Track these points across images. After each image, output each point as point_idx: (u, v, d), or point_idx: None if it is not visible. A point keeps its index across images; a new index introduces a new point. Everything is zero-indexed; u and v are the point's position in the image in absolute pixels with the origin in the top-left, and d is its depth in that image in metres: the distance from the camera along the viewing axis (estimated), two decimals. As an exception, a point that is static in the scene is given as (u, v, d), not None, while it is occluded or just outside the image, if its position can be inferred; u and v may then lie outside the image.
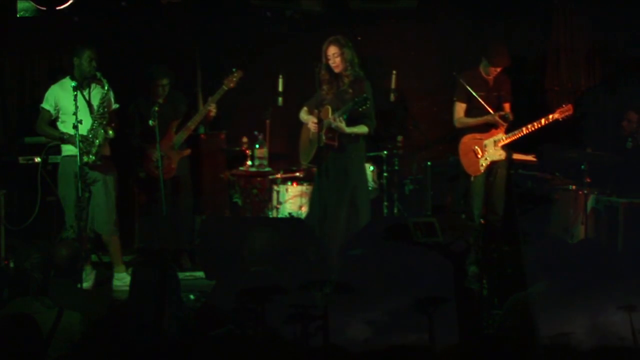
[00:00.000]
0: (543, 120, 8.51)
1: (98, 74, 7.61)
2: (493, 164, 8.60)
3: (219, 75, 9.08)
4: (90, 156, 7.47)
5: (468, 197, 8.64)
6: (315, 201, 8.06)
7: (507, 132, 8.58)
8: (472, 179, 8.58)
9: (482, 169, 8.57)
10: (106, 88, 7.63)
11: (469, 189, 8.62)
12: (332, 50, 7.83)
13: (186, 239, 8.89)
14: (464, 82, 8.52)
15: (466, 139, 8.59)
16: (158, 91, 8.53)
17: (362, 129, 7.88)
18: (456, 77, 8.59)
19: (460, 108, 8.58)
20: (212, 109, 8.51)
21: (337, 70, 7.85)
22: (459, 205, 8.82)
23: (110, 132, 7.68)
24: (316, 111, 7.84)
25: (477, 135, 8.58)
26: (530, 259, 5.89)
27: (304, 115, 8.13)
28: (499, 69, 8.57)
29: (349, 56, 7.84)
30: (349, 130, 7.82)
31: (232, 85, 8.57)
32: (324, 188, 7.86)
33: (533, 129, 8.54)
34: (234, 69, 8.62)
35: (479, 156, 8.57)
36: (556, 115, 8.51)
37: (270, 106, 9.49)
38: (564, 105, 8.58)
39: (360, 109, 7.70)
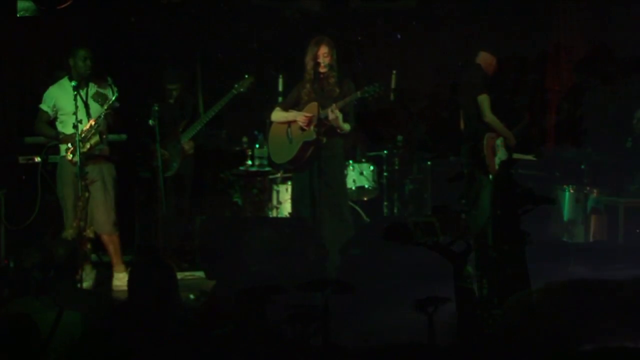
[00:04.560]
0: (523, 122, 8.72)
1: (109, 80, 7.59)
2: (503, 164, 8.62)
3: (219, 76, 9.07)
4: (75, 156, 7.42)
5: (480, 196, 8.61)
6: (304, 200, 8.03)
7: None
8: (490, 177, 8.55)
9: (496, 167, 8.56)
10: (114, 97, 7.59)
11: (486, 188, 8.59)
12: (324, 50, 7.87)
13: (186, 238, 8.90)
14: (478, 73, 8.48)
15: (489, 137, 8.53)
16: (167, 93, 8.58)
17: (347, 126, 7.93)
18: (473, 69, 8.55)
19: (488, 101, 8.44)
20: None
21: (323, 70, 7.88)
22: (464, 205, 8.81)
23: (104, 136, 7.68)
24: (315, 104, 7.85)
25: (494, 135, 8.56)
26: (530, 259, 5.89)
27: (281, 113, 8.13)
28: (495, 60, 8.58)
29: (335, 56, 7.91)
30: (342, 124, 7.85)
31: (242, 90, 8.60)
32: (320, 187, 7.85)
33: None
34: (246, 75, 8.65)
35: (495, 155, 8.55)
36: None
37: (270, 106, 9.48)
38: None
39: (369, 98, 7.78)
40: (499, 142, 8.55)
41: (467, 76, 8.63)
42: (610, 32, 9.82)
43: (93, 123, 7.55)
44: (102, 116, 7.60)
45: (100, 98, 7.68)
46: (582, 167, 8.75)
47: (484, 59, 8.56)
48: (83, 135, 7.49)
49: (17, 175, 8.75)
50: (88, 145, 7.54)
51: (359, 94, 7.76)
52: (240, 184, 9.57)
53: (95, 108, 7.74)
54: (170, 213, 8.33)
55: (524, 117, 8.95)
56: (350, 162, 9.11)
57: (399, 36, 10.18)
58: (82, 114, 7.52)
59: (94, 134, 7.61)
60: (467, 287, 5.71)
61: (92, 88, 7.77)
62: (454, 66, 9.07)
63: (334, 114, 7.72)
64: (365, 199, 9.32)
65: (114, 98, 7.58)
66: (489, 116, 8.46)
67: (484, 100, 8.45)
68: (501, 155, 8.54)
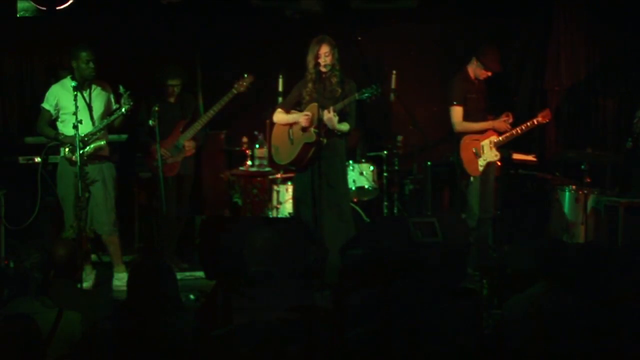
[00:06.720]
0: (529, 124, 8.67)
1: (127, 92, 7.58)
2: (489, 165, 8.64)
3: (219, 76, 9.04)
4: (75, 155, 7.42)
5: (466, 197, 8.65)
6: (305, 200, 8.03)
7: (500, 133, 8.63)
8: (471, 179, 8.59)
9: (480, 169, 8.60)
10: (124, 110, 7.59)
11: (468, 189, 8.63)
12: (325, 49, 7.88)
13: (186, 238, 8.90)
14: (458, 84, 8.58)
15: (467, 139, 8.60)
16: (168, 91, 8.57)
17: (345, 127, 7.93)
18: (452, 80, 8.65)
19: (458, 112, 8.57)
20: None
21: (325, 70, 7.88)
22: (460, 205, 8.82)
23: (102, 142, 7.69)
24: (315, 105, 7.86)
25: (475, 136, 8.61)
26: (530, 259, 5.88)
27: (282, 116, 8.14)
28: (489, 73, 8.60)
29: (337, 56, 7.91)
30: (338, 125, 7.86)
31: (242, 89, 8.61)
32: (321, 187, 7.85)
33: (521, 131, 8.66)
34: (245, 74, 8.66)
35: (478, 157, 8.59)
36: (540, 119, 8.69)
37: (270, 106, 9.49)
38: (545, 110, 8.79)
39: (367, 100, 7.78)
40: (485, 143, 8.57)
41: (449, 84, 8.71)
42: (610, 32, 9.82)
43: (94, 128, 7.57)
44: (106, 123, 7.62)
45: (105, 100, 7.71)
46: (582, 167, 8.75)
47: (472, 65, 8.61)
48: (86, 139, 7.51)
49: (17, 175, 8.76)
50: (87, 149, 7.55)
51: (356, 96, 7.77)
52: (240, 184, 9.58)
53: (98, 110, 7.75)
54: (170, 213, 8.33)
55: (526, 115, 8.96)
56: (350, 162, 9.10)
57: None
58: (83, 114, 7.54)
59: (97, 139, 7.63)
60: (467, 288, 5.72)
61: (95, 89, 7.78)
62: (453, 68, 9.06)
63: (328, 115, 7.73)
64: (365, 199, 9.32)
65: (123, 110, 7.58)
66: (459, 126, 8.56)
67: (452, 111, 8.55)
68: (487, 156, 8.56)
